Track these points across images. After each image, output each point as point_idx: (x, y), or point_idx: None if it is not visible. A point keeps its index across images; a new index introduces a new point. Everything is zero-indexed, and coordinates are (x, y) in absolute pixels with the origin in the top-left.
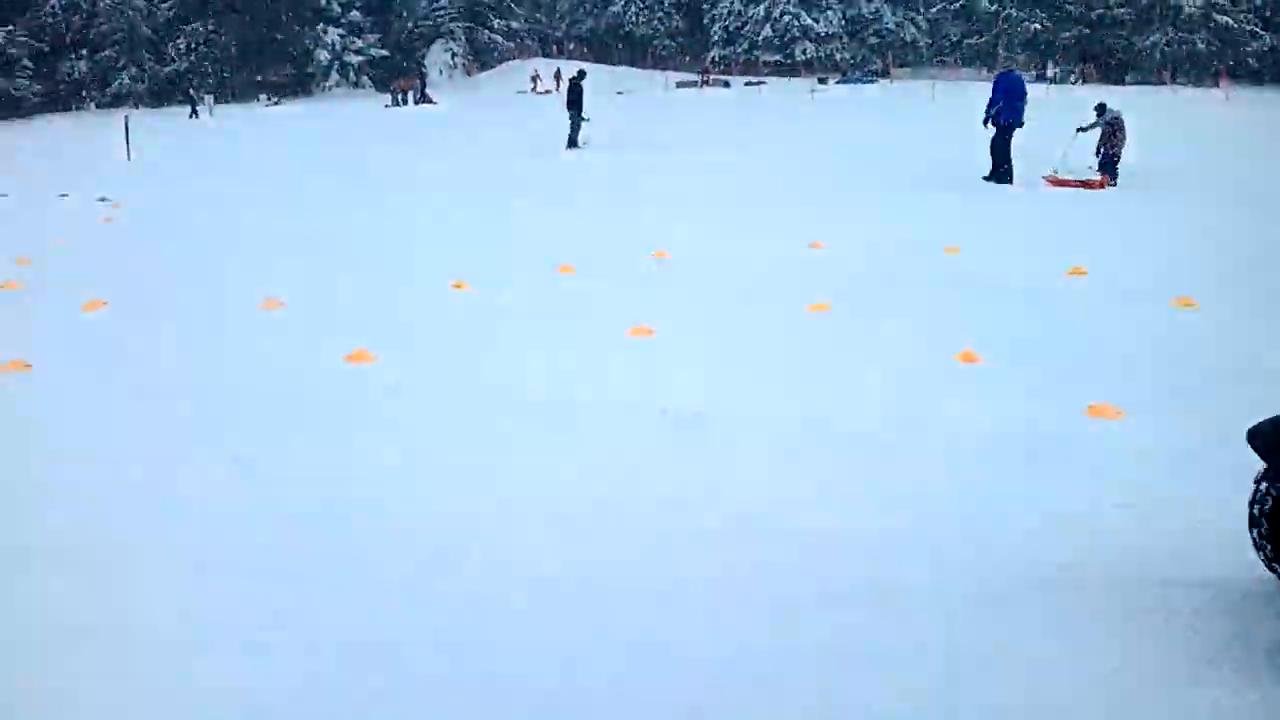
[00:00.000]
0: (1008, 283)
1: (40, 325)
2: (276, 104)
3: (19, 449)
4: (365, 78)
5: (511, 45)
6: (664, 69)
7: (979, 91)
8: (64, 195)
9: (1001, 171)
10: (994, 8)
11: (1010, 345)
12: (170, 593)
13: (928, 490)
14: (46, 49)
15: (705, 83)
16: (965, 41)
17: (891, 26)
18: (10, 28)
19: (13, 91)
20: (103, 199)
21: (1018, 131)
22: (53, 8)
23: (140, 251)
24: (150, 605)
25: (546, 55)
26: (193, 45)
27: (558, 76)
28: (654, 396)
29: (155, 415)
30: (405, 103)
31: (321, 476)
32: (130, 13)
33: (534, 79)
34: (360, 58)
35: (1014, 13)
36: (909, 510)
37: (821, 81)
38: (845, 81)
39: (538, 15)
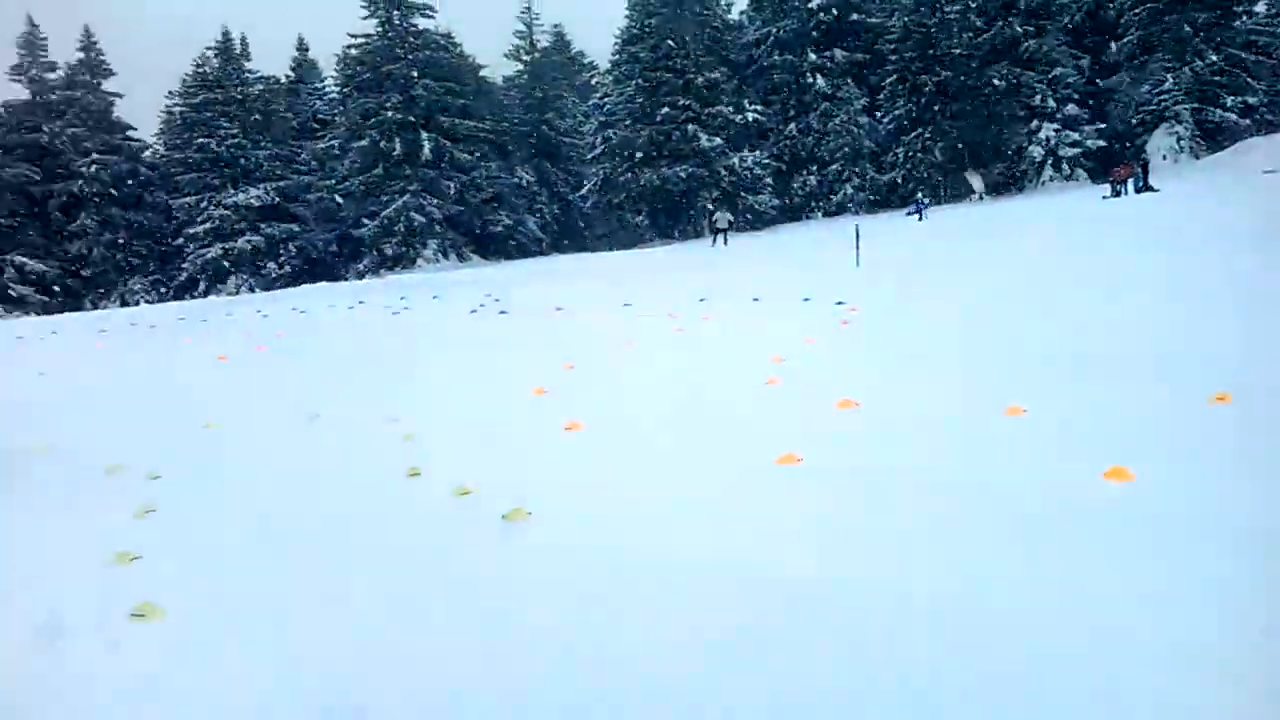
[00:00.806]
0: None
1: (800, 422)
2: (917, 214)
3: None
4: (1078, 169)
5: (1247, 123)
6: None
7: None
8: (807, 299)
9: None
10: None
11: None
12: None
13: None
14: (783, 168)
15: None
16: None
17: None
18: (756, 152)
19: (756, 206)
20: (839, 302)
21: None
22: (790, 132)
23: (877, 354)
24: None
25: None
26: (910, 154)
27: None
28: None
29: (918, 515)
30: (1124, 193)
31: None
32: (855, 130)
33: None
34: (1075, 150)
35: None
36: None
37: None
38: None
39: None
